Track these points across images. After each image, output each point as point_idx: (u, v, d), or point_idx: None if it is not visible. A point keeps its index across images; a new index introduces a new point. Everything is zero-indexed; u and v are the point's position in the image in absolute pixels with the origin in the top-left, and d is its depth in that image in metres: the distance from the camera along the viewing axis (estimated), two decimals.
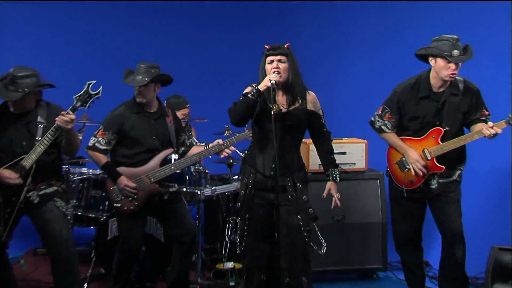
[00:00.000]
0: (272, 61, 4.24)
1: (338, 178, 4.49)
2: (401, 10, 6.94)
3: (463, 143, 4.64)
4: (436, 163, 4.62)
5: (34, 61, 5.01)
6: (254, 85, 4.26)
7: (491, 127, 4.49)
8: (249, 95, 4.18)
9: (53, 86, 4.74)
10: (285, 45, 4.32)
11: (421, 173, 4.65)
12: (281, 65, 4.23)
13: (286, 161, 4.35)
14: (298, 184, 4.37)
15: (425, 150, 4.64)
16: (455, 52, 4.50)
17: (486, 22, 6.11)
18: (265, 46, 4.34)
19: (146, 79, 4.85)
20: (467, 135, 4.64)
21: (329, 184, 4.48)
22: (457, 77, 4.66)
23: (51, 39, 7.43)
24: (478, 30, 6.04)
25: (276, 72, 4.24)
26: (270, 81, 4.13)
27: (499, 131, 4.47)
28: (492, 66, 5.94)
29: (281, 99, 4.33)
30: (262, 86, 4.16)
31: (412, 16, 6.80)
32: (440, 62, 4.54)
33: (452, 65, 4.50)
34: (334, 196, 4.47)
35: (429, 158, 4.63)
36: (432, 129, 4.69)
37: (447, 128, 4.66)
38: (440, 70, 4.56)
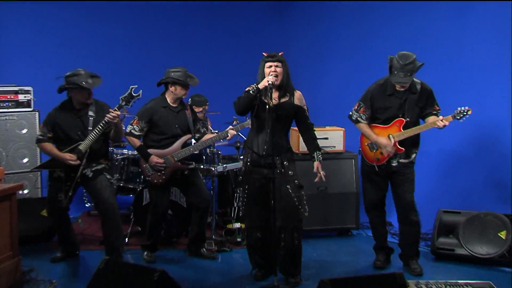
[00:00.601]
0: (271, 66, 4.55)
1: (321, 158, 4.76)
2: (383, 17, 6.95)
3: (419, 131, 4.94)
4: (398, 146, 4.93)
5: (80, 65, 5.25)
6: (254, 85, 4.51)
7: (442, 120, 4.77)
8: (250, 91, 4.47)
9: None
10: (280, 54, 4.63)
11: (390, 154, 4.94)
12: (278, 69, 4.55)
13: (277, 144, 4.60)
14: (285, 162, 4.66)
15: (390, 135, 4.94)
16: (399, 75, 4.74)
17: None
18: (263, 53, 4.63)
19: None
20: (423, 125, 4.94)
21: (316, 164, 4.73)
22: (415, 80, 4.93)
23: (92, 44, 7.49)
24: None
25: (273, 75, 4.48)
26: (268, 82, 4.44)
27: (446, 123, 4.78)
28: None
29: (274, 94, 4.55)
30: (261, 85, 4.47)
31: (403, 18, 6.71)
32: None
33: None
34: (320, 173, 4.73)
35: (393, 141, 4.94)
36: (396, 119, 4.96)
37: (408, 119, 4.93)
38: None
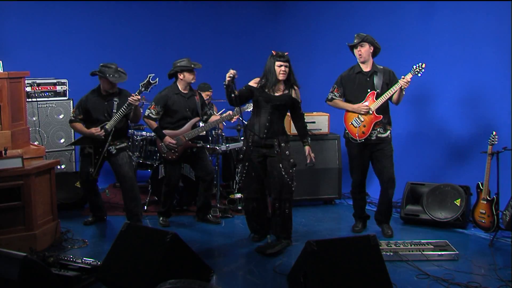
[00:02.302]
0: (281, 65, 4.59)
1: (310, 142, 4.87)
2: (362, 19, 6.83)
3: (390, 95, 4.88)
4: (376, 114, 4.93)
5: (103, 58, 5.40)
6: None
7: (403, 78, 4.79)
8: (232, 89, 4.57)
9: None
10: (286, 53, 4.66)
11: (366, 110, 4.89)
12: (286, 69, 4.63)
13: (274, 128, 4.70)
14: (281, 144, 4.72)
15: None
16: (355, 41, 4.95)
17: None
18: (272, 51, 4.65)
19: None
20: (391, 89, 4.87)
21: (307, 148, 4.82)
22: (378, 66, 4.99)
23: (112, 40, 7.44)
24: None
25: (228, 75, 4.52)
26: (227, 80, 4.51)
27: (408, 79, 4.76)
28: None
29: (281, 86, 4.68)
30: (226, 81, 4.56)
31: (379, 21, 6.59)
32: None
33: (357, 50, 4.97)
34: (310, 155, 4.82)
35: (371, 112, 4.93)
36: (369, 93, 4.98)
37: (378, 90, 4.95)
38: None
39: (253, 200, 4.89)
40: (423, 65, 4.80)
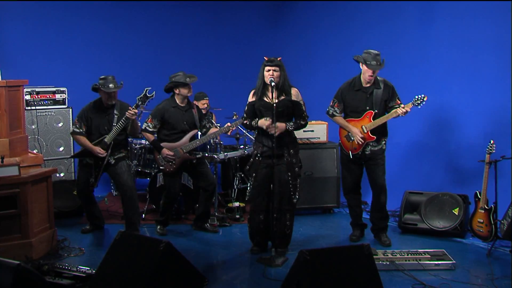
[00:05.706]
0: (269, 70, 4.57)
1: (289, 128, 4.65)
2: (361, 28, 6.84)
3: (386, 120, 4.96)
4: (370, 135, 4.98)
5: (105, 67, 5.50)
6: (254, 123, 4.68)
7: (402, 108, 4.84)
8: (253, 125, 4.70)
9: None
10: (278, 59, 4.63)
11: (361, 142, 4.95)
12: (275, 73, 4.57)
13: (282, 136, 4.64)
14: (291, 151, 4.71)
15: (363, 126, 4.99)
16: (373, 63, 4.82)
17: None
18: (264, 58, 4.64)
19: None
20: (388, 114, 4.96)
21: (278, 124, 4.56)
22: (379, 78, 4.99)
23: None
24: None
25: (271, 78, 4.52)
26: (271, 82, 4.50)
27: (408, 109, 4.82)
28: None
29: (274, 94, 4.56)
30: (260, 124, 4.62)
31: (377, 29, 6.60)
32: (364, 67, 4.91)
33: (370, 71, 4.88)
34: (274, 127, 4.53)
35: (365, 131, 4.97)
36: (367, 112, 4.99)
37: (376, 110, 4.96)
38: (364, 73, 4.95)
39: (260, 213, 4.83)
40: (425, 98, 4.84)
